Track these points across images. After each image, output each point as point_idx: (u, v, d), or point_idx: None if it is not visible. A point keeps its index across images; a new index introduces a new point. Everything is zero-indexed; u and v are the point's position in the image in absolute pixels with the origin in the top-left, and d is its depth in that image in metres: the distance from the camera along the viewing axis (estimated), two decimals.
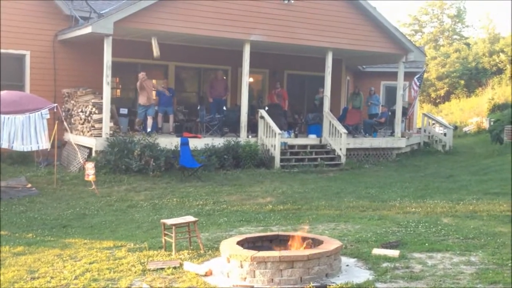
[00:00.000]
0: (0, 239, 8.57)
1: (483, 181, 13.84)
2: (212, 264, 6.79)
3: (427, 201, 11.48)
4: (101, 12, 15.55)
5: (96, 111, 14.25)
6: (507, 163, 16.20)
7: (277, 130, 15.66)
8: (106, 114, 14.04)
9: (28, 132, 12.05)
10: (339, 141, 16.93)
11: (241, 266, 6.15)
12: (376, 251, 7.26)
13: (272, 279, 6.01)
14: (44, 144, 12.32)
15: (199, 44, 17.37)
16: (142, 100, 15.41)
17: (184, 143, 13.99)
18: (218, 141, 15.37)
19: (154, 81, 17.99)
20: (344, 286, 5.87)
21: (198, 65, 18.70)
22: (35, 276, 6.57)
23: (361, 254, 7.23)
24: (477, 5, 71.91)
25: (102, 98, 14.23)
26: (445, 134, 22.14)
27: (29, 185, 12.53)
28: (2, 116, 11.80)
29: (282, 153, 15.96)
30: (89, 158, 13.89)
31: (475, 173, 15.26)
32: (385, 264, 6.73)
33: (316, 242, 6.66)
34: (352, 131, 19.08)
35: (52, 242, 8.52)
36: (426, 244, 7.71)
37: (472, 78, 40.89)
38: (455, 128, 27.33)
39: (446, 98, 41.44)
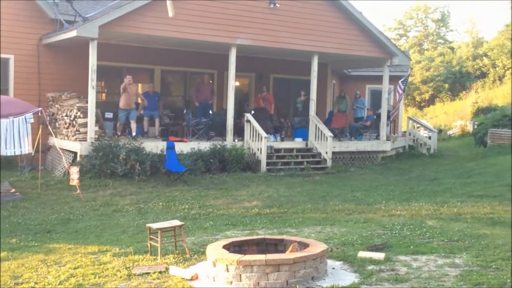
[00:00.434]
0: None
1: (467, 184, 13.96)
2: (198, 268, 6.77)
3: (412, 204, 11.56)
4: (86, 16, 15.50)
5: (81, 115, 14.16)
6: (490, 166, 16.36)
7: (263, 133, 15.67)
8: (91, 118, 13.95)
9: (11, 137, 11.94)
10: (325, 144, 16.99)
11: (227, 270, 6.14)
12: (362, 254, 7.29)
13: (258, 283, 6.01)
14: (28, 148, 12.22)
15: (185, 48, 17.35)
16: (121, 103, 15.35)
17: (170, 147, 13.94)
18: (204, 145, 15.35)
19: (139, 84, 17.95)
20: None
21: (184, 69, 18.67)
22: (19, 281, 6.51)
23: (347, 257, 7.25)
24: (461, 9, 72.68)
25: (87, 102, 14.14)
26: (429, 137, 22.31)
27: (13, 190, 12.39)
28: None
29: (268, 156, 15.97)
30: (74, 162, 13.80)
31: (459, 176, 15.39)
32: (370, 267, 6.76)
33: (302, 245, 6.67)
34: (338, 135, 19.17)
35: (36, 247, 8.45)
36: (411, 247, 7.75)
37: (456, 81, 41.26)
38: (440, 131, 27.53)
39: (431, 101, 41.77)
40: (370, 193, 13.11)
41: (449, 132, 29.99)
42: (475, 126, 24.26)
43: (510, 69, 37.29)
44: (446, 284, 6.12)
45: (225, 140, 16.03)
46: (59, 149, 13.40)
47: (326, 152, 16.93)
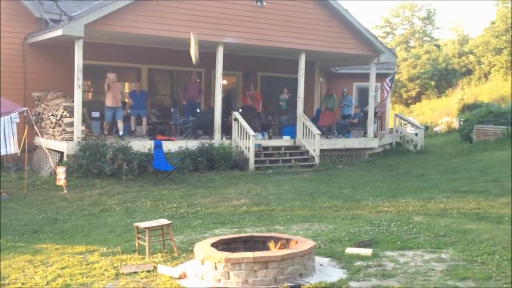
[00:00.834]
0: None
1: (453, 180, 14.06)
2: (186, 267, 6.76)
3: (399, 200, 11.63)
4: (71, 15, 15.39)
5: (67, 115, 14.07)
6: (476, 162, 16.49)
7: (251, 132, 15.68)
8: (77, 118, 13.87)
9: None
10: (313, 142, 17.04)
11: (215, 268, 6.14)
12: (349, 250, 7.32)
13: (247, 280, 6.01)
14: (14, 148, 12.14)
15: (172, 46, 17.29)
16: (107, 101, 15.28)
17: (158, 146, 13.91)
18: (192, 144, 15.32)
19: (126, 83, 17.88)
20: (318, 285, 5.90)
21: (172, 67, 18.61)
22: (5, 282, 6.46)
23: (334, 253, 7.28)
24: (446, 7, 73.13)
25: (73, 102, 14.06)
26: (416, 134, 22.45)
27: None
28: None
29: (256, 155, 15.99)
30: (60, 162, 13.72)
31: (445, 172, 15.50)
32: (358, 263, 6.79)
33: (290, 243, 6.69)
34: (326, 132, 19.23)
35: (23, 247, 8.39)
36: (398, 243, 7.80)
37: (442, 79, 41.57)
38: (426, 128, 27.72)
39: (417, 98, 42.04)
40: (358, 190, 13.17)
41: (436, 129, 30.21)
42: (461, 123, 24.44)
43: (498, 67, 37.62)
44: (433, 278, 6.17)
45: (212, 138, 16.02)
46: (45, 149, 13.32)
47: (314, 150, 16.98)
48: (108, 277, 6.53)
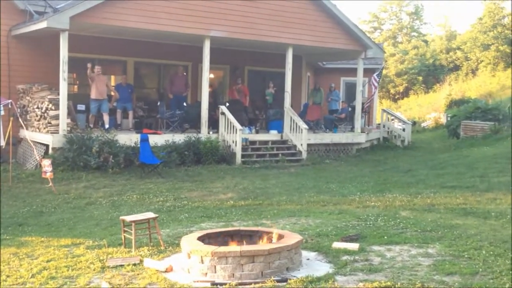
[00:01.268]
0: None
1: (440, 175, 14.14)
2: (172, 260, 6.72)
3: (386, 195, 11.66)
4: (56, 7, 15.16)
5: (53, 107, 13.93)
6: (463, 157, 16.60)
7: (238, 126, 15.62)
8: (63, 111, 13.73)
9: None
10: (300, 136, 17.03)
11: (202, 262, 6.11)
12: (336, 244, 7.32)
13: (233, 274, 5.99)
14: None
15: (158, 39, 17.17)
16: (92, 93, 15.16)
17: (144, 140, 13.82)
18: (179, 137, 15.24)
19: (112, 76, 17.72)
20: (304, 279, 5.90)
21: (158, 60, 18.48)
22: None
23: (321, 247, 7.28)
24: (434, 2, 73.47)
25: (58, 94, 13.91)
26: (404, 130, 22.53)
27: None
28: None
29: (243, 149, 15.94)
30: (45, 155, 13.57)
31: (432, 167, 15.58)
32: (345, 257, 6.79)
33: (277, 237, 6.67)
34: (313, 127, 19.23)
35: (8, 240, 8.31)
36: (385, 237, 7.82)
37: (430, 74, 41.80)
38: (414, 123, 27.85)
39: (405, 94, 42.25)
40: (345, 185, 13.18)
41: (423, 124, 30.36)
42: (449, 118, 24.60)
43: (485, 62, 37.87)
44: (419, 273, 6.19)
45: (199, 132, 15.95)
46: (30, 142, 13.17)
47: (301, 144, 16.97)
48: (94, 270, 6.48)
